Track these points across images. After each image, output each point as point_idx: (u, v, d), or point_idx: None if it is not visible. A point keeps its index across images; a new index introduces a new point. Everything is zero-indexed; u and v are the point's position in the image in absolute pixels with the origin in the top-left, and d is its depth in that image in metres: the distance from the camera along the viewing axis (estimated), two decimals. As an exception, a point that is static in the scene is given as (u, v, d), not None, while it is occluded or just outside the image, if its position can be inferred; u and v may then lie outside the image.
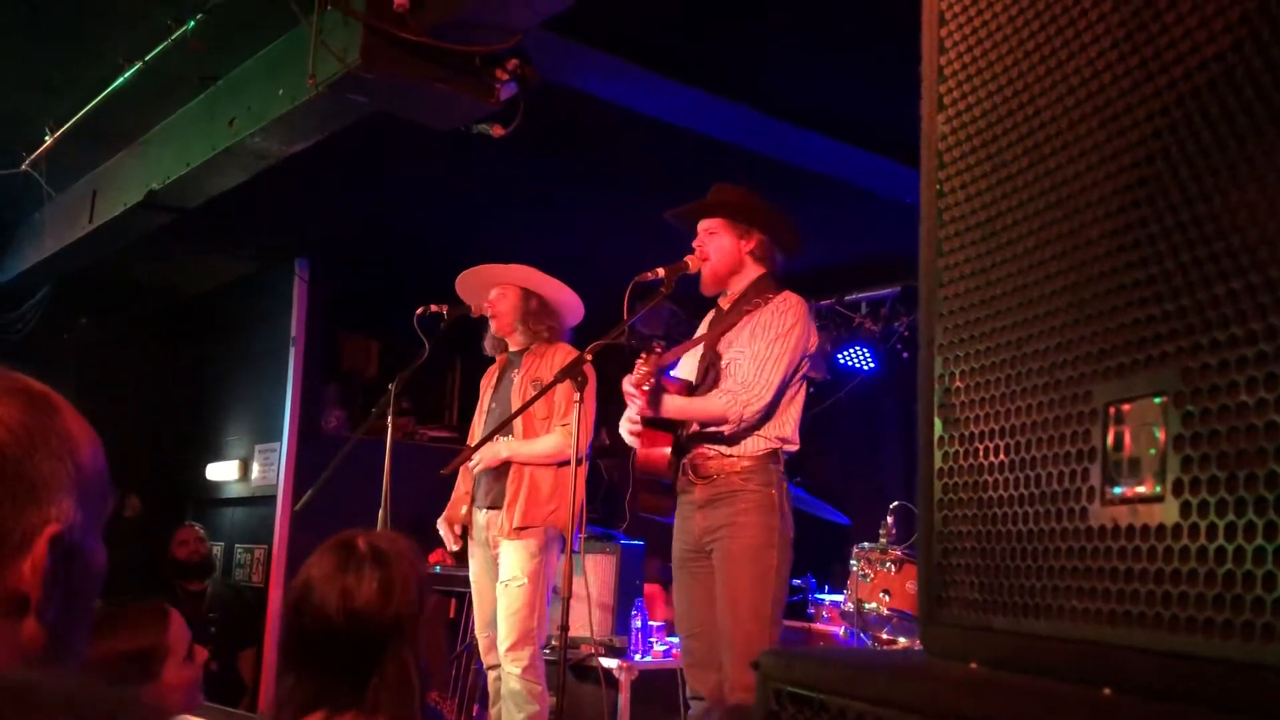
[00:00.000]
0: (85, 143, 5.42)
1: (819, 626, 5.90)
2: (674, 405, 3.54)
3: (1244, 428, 0.78)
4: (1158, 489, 0.85)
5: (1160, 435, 0.86)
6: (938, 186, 1.22)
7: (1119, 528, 0.90)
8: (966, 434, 1.13)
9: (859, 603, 5.15)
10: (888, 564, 5.11)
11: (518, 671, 4.20)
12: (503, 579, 4.30)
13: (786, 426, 3.68)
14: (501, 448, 4.37)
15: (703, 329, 3.99)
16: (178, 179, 5.12)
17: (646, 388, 3.38)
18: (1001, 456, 1.07)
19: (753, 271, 3.80)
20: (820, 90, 4.73)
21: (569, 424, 4.11)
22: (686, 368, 3.85)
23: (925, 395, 1.20)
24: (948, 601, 1.13)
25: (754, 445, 3.63)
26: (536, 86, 4.05)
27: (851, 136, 5.03)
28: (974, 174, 1.17)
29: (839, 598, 5.61)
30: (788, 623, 5.98)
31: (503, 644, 4.25)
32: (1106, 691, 0.87)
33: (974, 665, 1.07)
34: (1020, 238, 1.08)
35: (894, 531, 5.25)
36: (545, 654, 4.40)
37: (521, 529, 4.25)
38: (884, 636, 5.22)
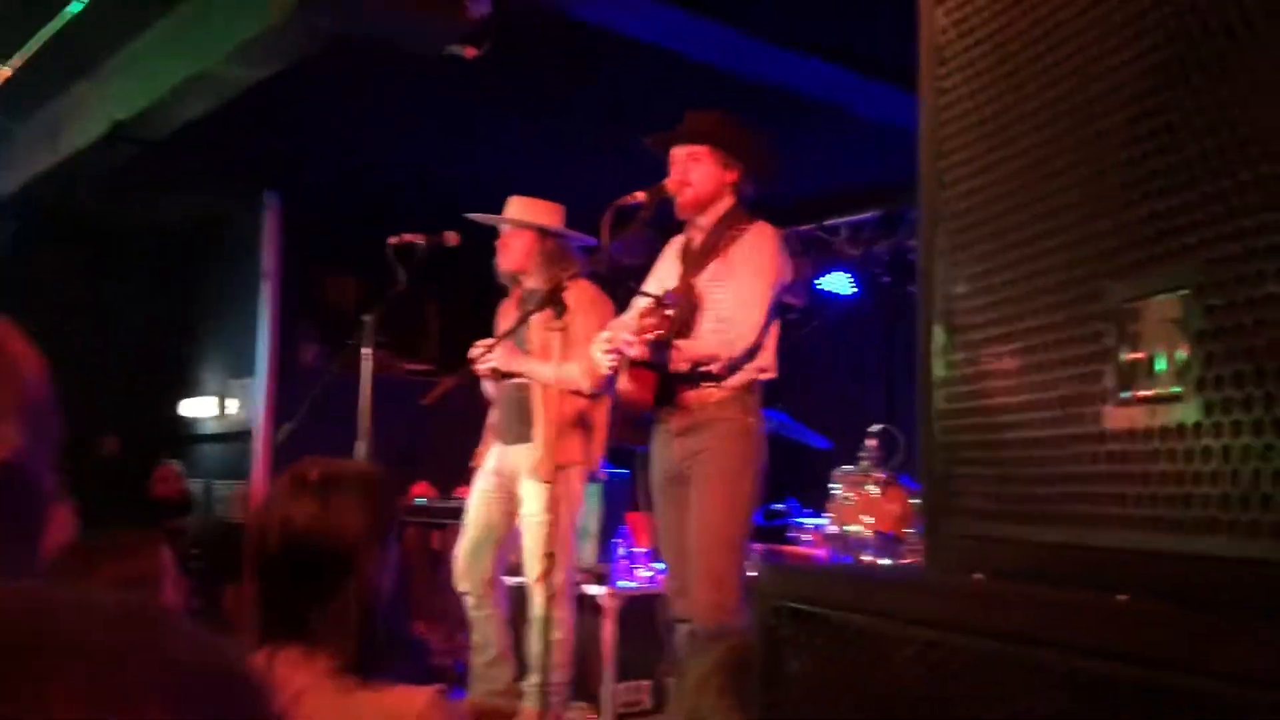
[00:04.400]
0: (46, 73, 5.27)
1: (801, 550, 5.92)
2: (676, 354, 3.51)
3: (1273, 319, 0.74)
4: (1178, 388, 0.82)
5: (1180, 331, 0.82)
6: (938, 84, 1.17)
7: (1135, 430, 0.86)
8: (970, 340, 1.09)
9: (842, 525, 5.17)
10: (870, 486, 5.12)
11: (542, 602, 4.22)
12: (525, 512, 4.28)
13: (764, 356, 3.68)
14: (520, 360, 4.30)
15: (669, 258, 3.94)
16: (142, 111, 4.99)
17: (650, 338, 3.33)
18: (1008, 362, 1.04)
19: (727, 201, 3.76)
20: (800, 8, 4.63)
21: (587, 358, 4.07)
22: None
23: (926, 302, 1.16)
24: (951, 513, 1.10)
25: (733, 376, 3.62)
26: (509, 6, 3.94)
27: (834, 56, 4.94)
28: (977, 69, 1.11)
29: (821, 521, 5.62)
30: (769, 547, 6.01)
31: (530, 576, 4.26)
32: (1122, 597, 0.85)
33: (978, 576, 1.04)
34: (1027, 133, 1.03)
35: (876, 454, 5.26)
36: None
37: (542, 466, 4.21)
38: (866, 558, 5.25)
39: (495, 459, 4.47)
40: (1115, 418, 0.89)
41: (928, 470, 1.14)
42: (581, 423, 4.31)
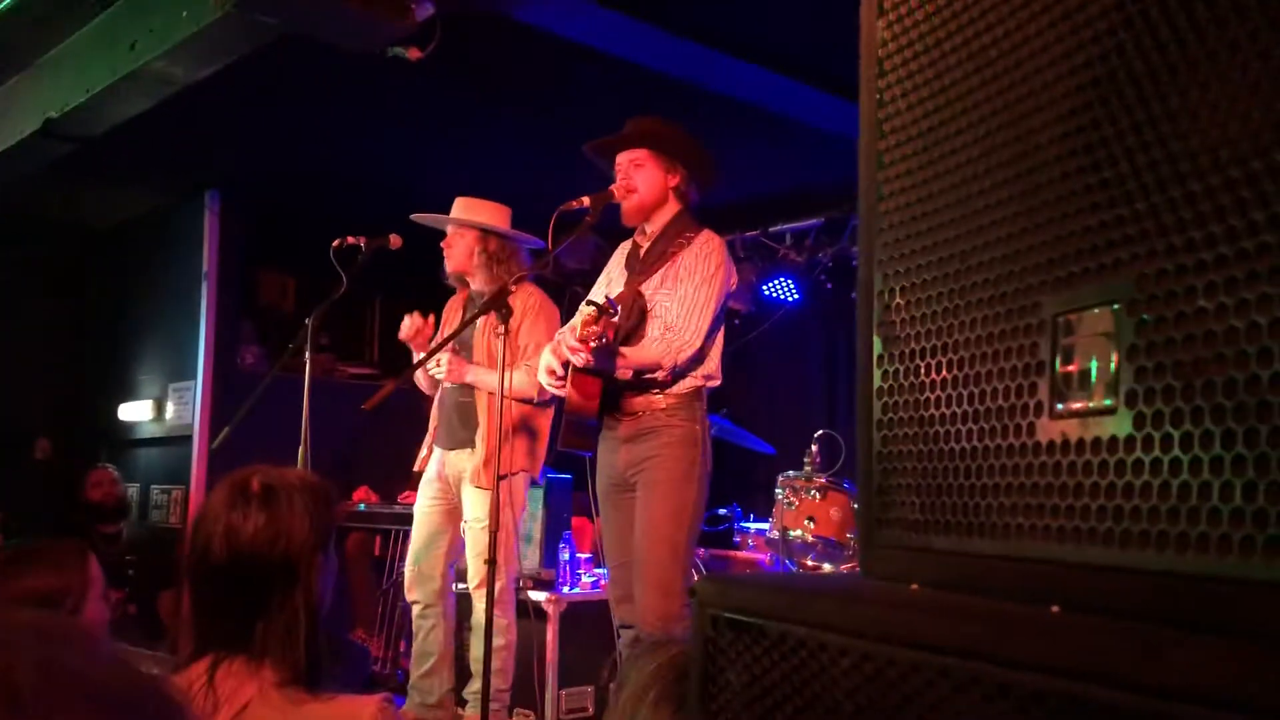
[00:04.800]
0: (-24, 67, 5.16)
1: (744, 554, 5.95)
2: (621, 362, 3.52)
3: (1202, 334, 0.75)
4: (1109, 401, 0.83)
5: (1112, 345, 0.83)
6: (877, 95, 1.17)
7: (1068, 442, 0.87)
8: (907, 351, 1.10)
9: (784, 530, 5.19)
10: (813, 491, 5.15)
11: (485, 605, 4.20)
12: (467, 519, 4.26)
13: (710, 363, 3.71)
14: (467, 371, 4.28)
15: (615, 263, 3.95)
16: (77, 107, 4.88)
17: (595, 345, 3.33)
18: (944, 373, 1.04)
19: (672, 207, 3.78)
20: (746, 16, 4.65)
21: (533, 364, 4.06)
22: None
23: (864, 313, 1.17)
24: (888, 523, 1.10)
25: (679, 383, 3.64)
26: (454, 7, 3.92)
27: (779, 64, 4.97)
28: (915, 81, 1.12)
29: (765, 526, 5.65)
30: (713, 552, 6.03)
31: (472, 582, 4.24)
32: (1055, 609, 0.85)
33: (915, 587, 1.05)
34: (964, 146, 1.04)
35: (819, 459, 5.30)
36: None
37: (485, 472, 4.19)
38: (809, 563, 5.28)
39: (437, 464, 4.44)
40: (1048, 430, 0.89)
41: (865, 480, 1.14)
42: (524, 428, 4.30)
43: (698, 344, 3.55)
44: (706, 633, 1.12)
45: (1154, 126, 0.81)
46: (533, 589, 4.87)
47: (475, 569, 4.23)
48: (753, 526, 5.90)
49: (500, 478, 4.05)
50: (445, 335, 4.29)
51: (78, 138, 5.24)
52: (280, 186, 6.93)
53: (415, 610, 4.43)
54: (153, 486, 7.43)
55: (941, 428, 1.03)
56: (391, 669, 5.71)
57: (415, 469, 4.61)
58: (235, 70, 4.44)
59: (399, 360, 4.80)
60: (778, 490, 5.28)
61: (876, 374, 1.14)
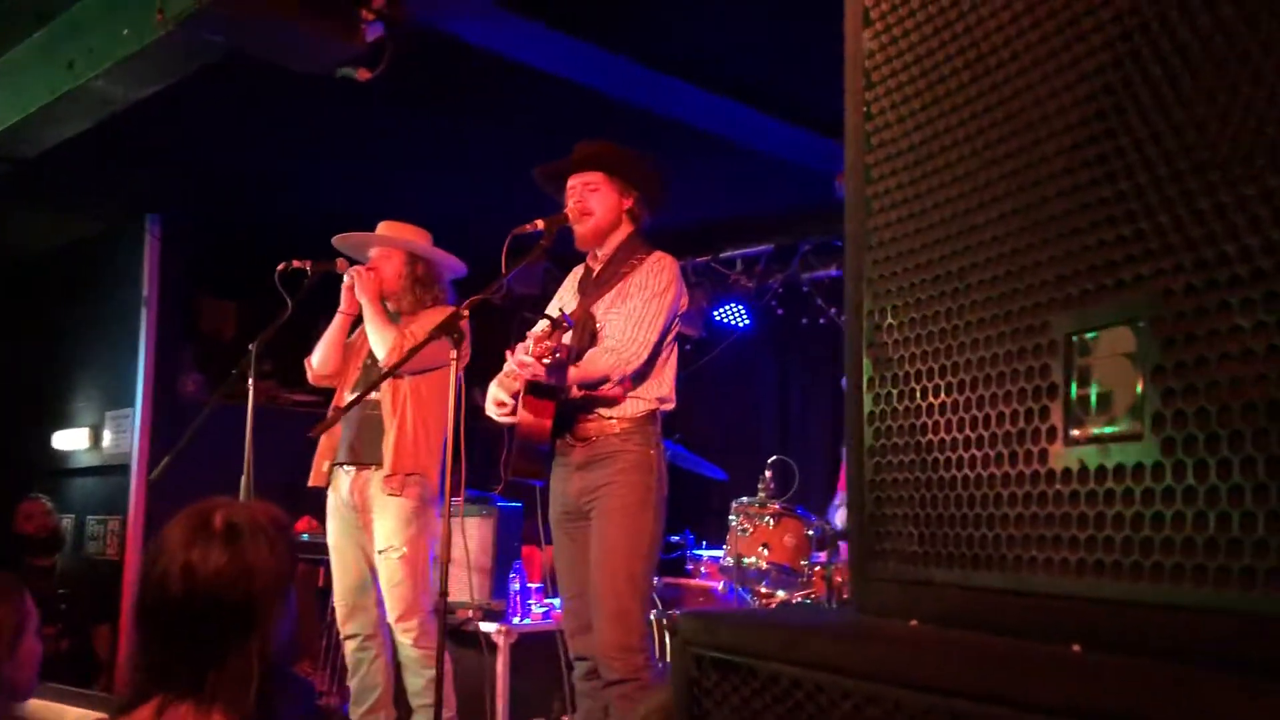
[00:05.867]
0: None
1: (697, 582, 5.88)
2: (573, 375, 3.44)
3: (1238, 353, 0.70)
4: (1133, 425, 0.78)
5: (1135, 366, 0.78)
6: (865, 109, 1.13)
7: (1087, 469, 0.82)
8: (901, 374, 1.05)
9: (738, 557, 5.14)
10: (766, 518, 5.10)
11: (410, 641, 4.08)
12: (379, 548, 4.13)
13: (664, 386, 3.65)
14: (375, 296, 4.22)
15: (568, 286, 3.90)
16: (12, 126, 4.74)
17: (548, 361, 3.25)
18: (943, 397, 0.99)
19: (625, 229, 3.74)
20: (700, 43, 4.63)
21: (412, 330, 4.01)
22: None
23: (853, 334, 1.11)
24: (883, 555, 1.05)
25: (633, 407, 3.58)
26: (405, 29, 3.85)
27: (730, 91, 4.96)
28: (906, 93, 1.07)
29: (718, 553, 5.59)
30: (666, 579, 5.96)
31: (391, 615, 4.11)
32: (1075, 648, 0.80)
33: (914, 623, 0.99)
34: (962, 159, 0.99)
35: (772, 486, 5.26)
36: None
37: (392, 477, 4.07)
38: (762, 590, 5.23)
39: (346, 487, 4.28)
40: (1064, 457, 0.84)
41: (856, 509, 1.09)
42: (430, 442, 4.20)
43: (645, 355, 3.50)
44: (690, 673, 1.06)
45: (1176, 135, 0.76)
46: (483, 620, 4.77)
47: (391, 601, 4.10)
48: (705, 554, 5.84)
49: (408, 477, 3.98)
50: (362, 359, 4.30)
51: (13, 159, 5.09)
52: (224, 210, 6.80)
53: (352, 645, 4.27)
54: (89, 517, 7.22)
55: (941, 454, 0.98)
56: (338, 702, 5.56)
57: (310, 484, 4.43)
58: (178, 90, 4.33)
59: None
60: (731, 517, 5.22)
61: (867, 398, 1.09)
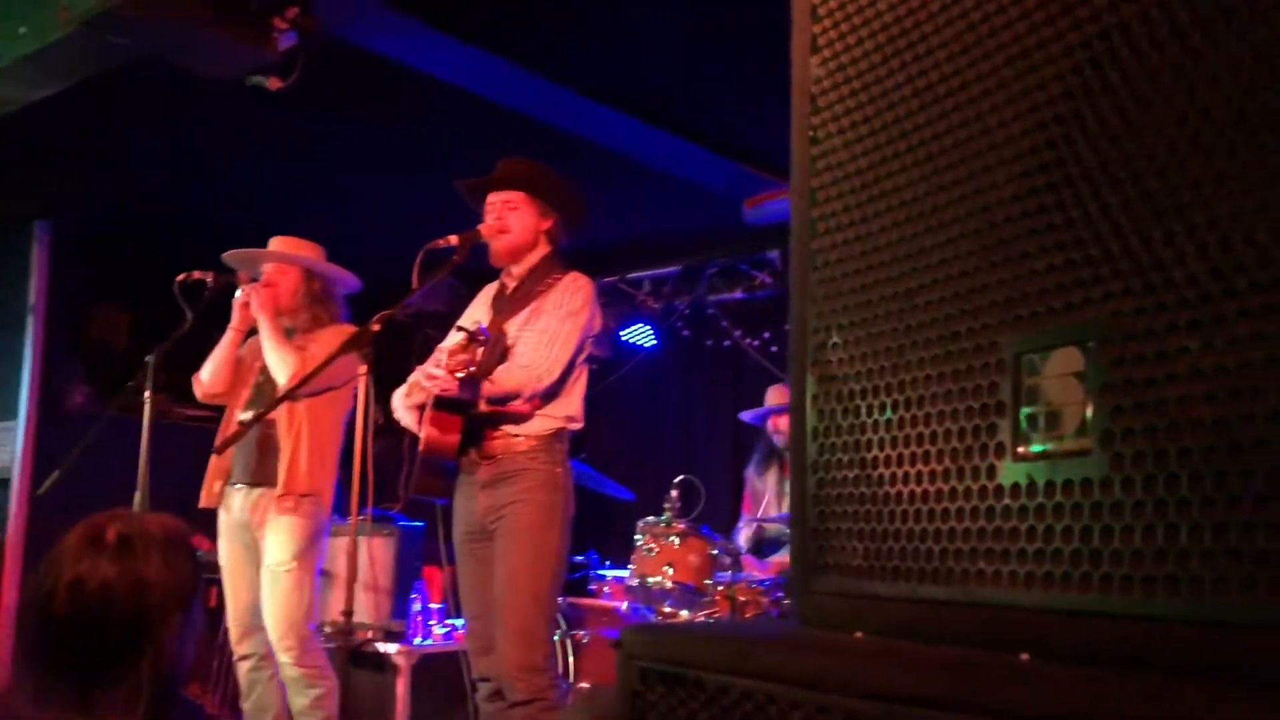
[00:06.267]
0: None
1: (601, 602, 5.87)
2: (487, 389, 3.42)
3: (1186, 373, 0.73)
4: (1082, 442, 0.81)
5: (1083, 385, 0.81)
6: (811, 134, 1.15)
7: (1035, 484, 0.85)
8: (845, 390, 1.07)
9: (643, 577, 5.14)
10: (672, 538, 5.12)
11: (291, 660, 3.98)
12: (268, 564, 4.03)
13: (573, 405, 3.65)
14: (271, 314, 4.12)
15: (481, 303, 3.88)
16: (-103, 124, 4.55)
17: (461, 375, 3.22)
18: (888, 414, 1.01)
19: (542, 249, 3.74)
20: (611, 64, 4.66)
21: (312, 351, 3.94)
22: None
23: (797, 352, 1.14)
24: (825, 569, 1.07)
25: (540, 425, 3.56)
26: (318, 39, 3.79)
27: (640, 112, 4.99)
28: (854, 118, 1.10)
29: (623, 573, 5.59)
30: (570, 599, 5.94)
31: (273, 634, 4.00)
32: (1024, 657, 0.83)
33: (859, 635, 1.01)
34: (910, 184, 1.02)
35: (678, 505, 5.28)
36: (323, 640, 4.18)
37: (286, 496, 3.99)
38: (666, 610, 5.24)
39: (239, 505, 4.19)
40: (1011, 472, 0.87)
41: (799, 524, 1.11)
42: (324, 459, 4.14)
43: (557, 373, 3.50)
44: (634, 687, 1.07)
45: (1126, 165, 0.80)
46: (382, 641, 4.69)
47: (275, 619, 4.01)
48: (609, 573, 5.83)
49: (303, 497, 3.93)
50: (255, 375, 4.22)
51: (-106, 158, 4.88)
52: (119, 217, 6.59)
53: (247, 665, 4.17)
54: (-35, 534, 6.92)
55: (886, 470, 1.01)
56: (228, 726, 5.41)
57: (201, 505, 4.34)
58: (73, 91, 4.20)
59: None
60: (638, 536, 5.23)
61: (811, 414, 1.11)
